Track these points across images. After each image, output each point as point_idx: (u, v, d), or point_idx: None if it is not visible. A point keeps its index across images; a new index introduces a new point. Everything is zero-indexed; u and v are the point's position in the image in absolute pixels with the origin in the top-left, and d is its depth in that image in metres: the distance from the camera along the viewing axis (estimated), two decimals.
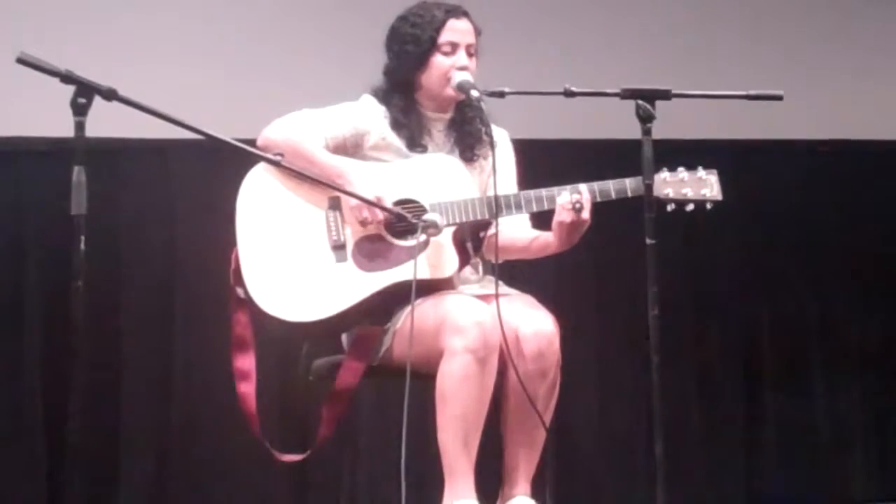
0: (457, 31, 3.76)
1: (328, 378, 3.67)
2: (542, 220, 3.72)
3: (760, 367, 5.72)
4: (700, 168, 3.66)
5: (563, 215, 3.60)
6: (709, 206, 3.65)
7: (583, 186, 3.62)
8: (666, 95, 3.36)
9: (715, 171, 3.67)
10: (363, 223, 3.62)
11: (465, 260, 3.66)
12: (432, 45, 3.73)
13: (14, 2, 5.03)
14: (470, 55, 3.76)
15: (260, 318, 3.60)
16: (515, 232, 3.77)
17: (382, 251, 3.62)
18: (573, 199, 3.58)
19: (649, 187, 3.34)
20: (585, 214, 3.59)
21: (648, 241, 3.27)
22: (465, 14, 3.79)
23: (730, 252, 5.67)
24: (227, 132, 3.13)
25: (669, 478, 3.25)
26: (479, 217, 3.64)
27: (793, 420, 5.67)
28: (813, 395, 5.72)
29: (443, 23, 3.74)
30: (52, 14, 5.03)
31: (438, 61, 3.74)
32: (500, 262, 3.65)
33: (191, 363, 5.15)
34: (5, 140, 5.06)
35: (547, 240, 3.70)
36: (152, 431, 5.18)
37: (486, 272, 3.81)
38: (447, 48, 3.74)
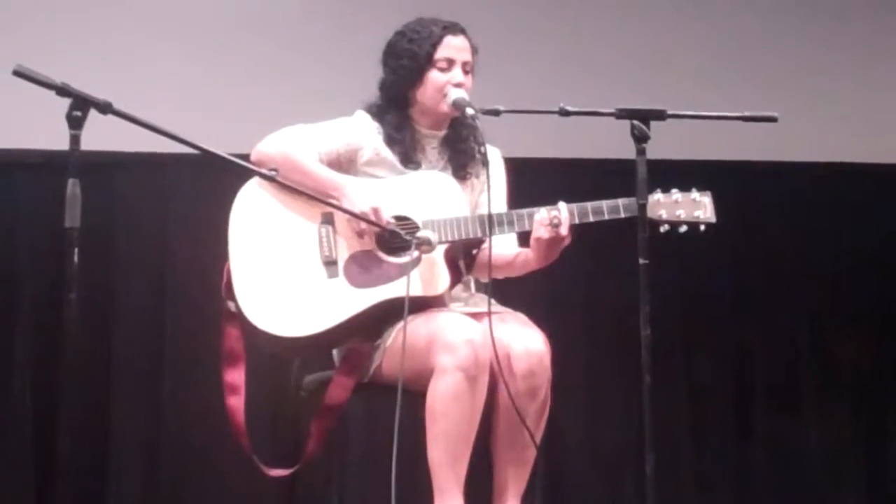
0: (453, 47, 3.76)
1: (318, 393, 3.67)
2: (525, 237, 3.72)
3: (751, 388, 5.72)
4: (694, 189, 3.65)
5: (540, 231, 3.60)
6: (702, 227, 3.63)
7: (562, 204, 3.61)
8: (661, 116, 3.36)
9: (709, 193, 3.66)
10: (360, 234, 3.62)
11: (456, 277, 3.66)
12: (428, 61, 3.74)
13: (10, 14, 5.03)
14: (466, 72, 3.76)
15: (250, 333, 3.59)
16: (503, 249, 3.77)
17: (374, 267, 3.62)
18: (551, 216, 3.59)
19: (643, 207, 3.34)
20: (563, 230, 3.59)
21: (641, 261, 3.28)
22: (463, 31, 3.79)
23: (722, 273, 5.67)
24: (221, 147, 3.13)
25: (659, 497, 3.24)
26: (471, 235, 3.64)
27: (783, 440, 5.67)
28: (803, 416, 5.71)
29: (440, 39, 3.75)
30: (49, 27, 5.03)
31: (434, 77, 3.74)
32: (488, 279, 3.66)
33: (181, 376, 5.13)
34: (0, 152, 5.06)
35: (528, 256, 3.70)
36: (141, 443, 5.16)
37: (477, 290, 3.81)
38: (443, 64, 3.74)
